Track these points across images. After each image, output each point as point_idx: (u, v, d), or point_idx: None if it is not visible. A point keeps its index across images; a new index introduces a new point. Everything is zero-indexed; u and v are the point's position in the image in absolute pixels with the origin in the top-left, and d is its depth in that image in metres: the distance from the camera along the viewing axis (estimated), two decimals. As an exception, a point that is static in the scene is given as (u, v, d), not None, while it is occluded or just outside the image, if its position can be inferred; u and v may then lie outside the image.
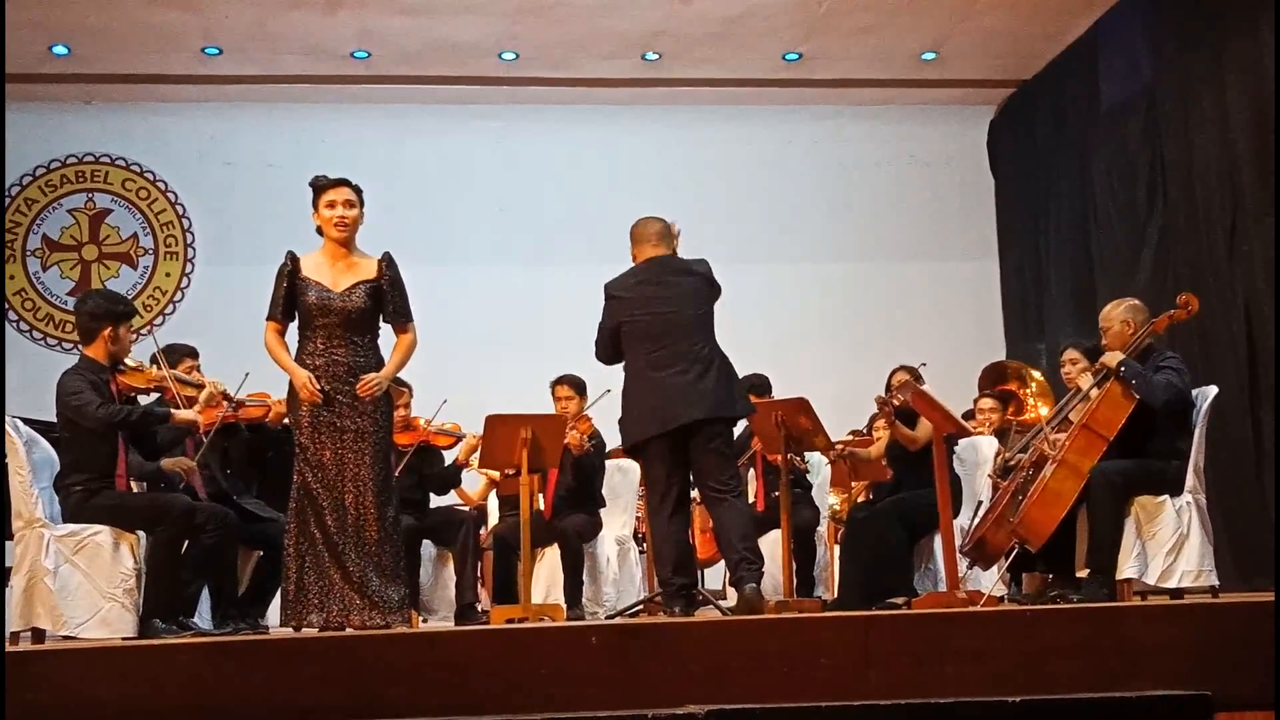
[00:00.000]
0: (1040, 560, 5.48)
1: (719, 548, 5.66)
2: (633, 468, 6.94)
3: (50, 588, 4.86)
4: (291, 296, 4.78)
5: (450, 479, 6.82)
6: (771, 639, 3.71)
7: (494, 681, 3.58)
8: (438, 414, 6.62)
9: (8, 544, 5.19)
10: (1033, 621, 3.90)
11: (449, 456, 6.77)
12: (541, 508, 6.50)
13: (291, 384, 4.77)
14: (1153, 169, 8.08)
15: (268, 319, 4.81)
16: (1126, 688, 3.62)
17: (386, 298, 4.84)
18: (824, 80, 9.67)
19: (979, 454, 6.41)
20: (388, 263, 4.87)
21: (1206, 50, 7.48)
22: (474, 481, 7.47)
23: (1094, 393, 5.38)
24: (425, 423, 6.58)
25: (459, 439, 6.61)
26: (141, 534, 5.00)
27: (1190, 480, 5.27)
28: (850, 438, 7.06)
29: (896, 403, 5.91)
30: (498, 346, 9.32)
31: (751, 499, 6.93)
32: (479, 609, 6.20)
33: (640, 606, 6.16)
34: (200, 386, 5.35)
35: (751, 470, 7.05)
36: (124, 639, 4.78)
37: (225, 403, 5.50)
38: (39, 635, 4.92)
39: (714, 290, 5.33)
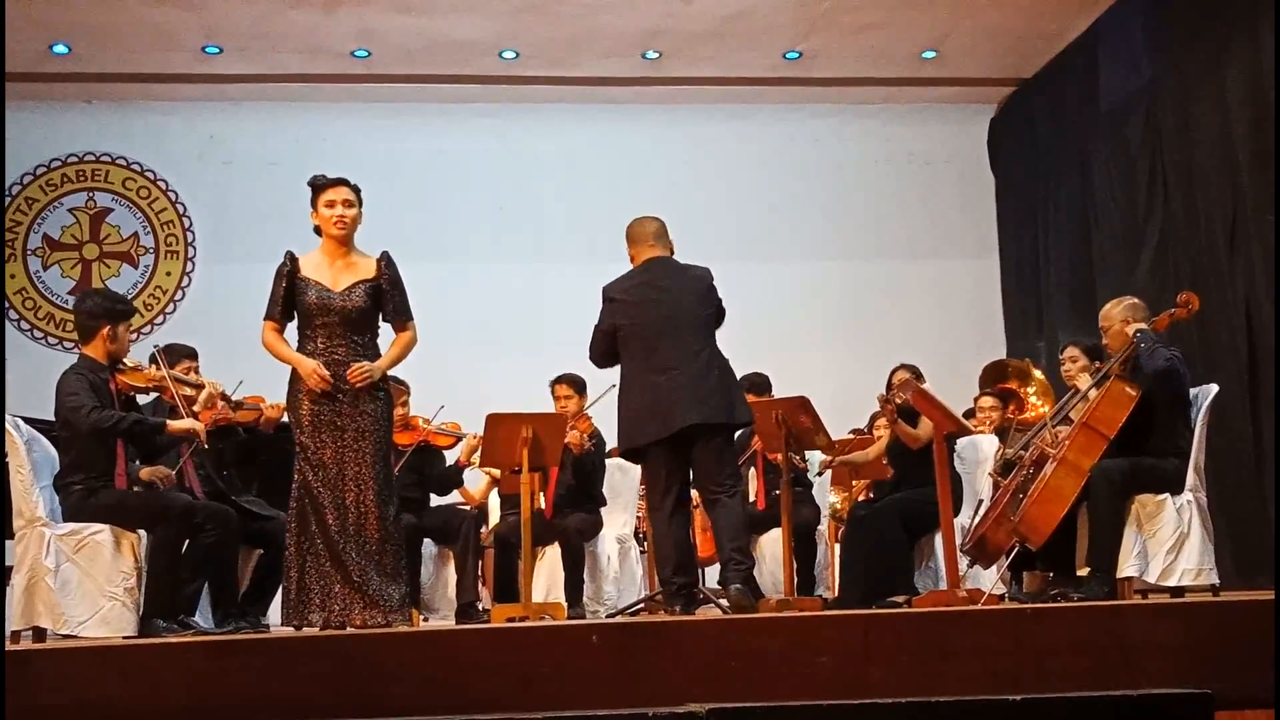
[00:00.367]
0: (1041, 559, 5.48)
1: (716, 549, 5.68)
2: (633, 467, 6.92)
3: (51, 586, 4.86)
4: (291, 296, 4.77)
5: (451, 479, 6.82)
6: (772, 637, 3.71)
7: (495, 680, 3.58)
8: (437, 415, 6.62)
9: (8, 543, 5.19)
10: (1033, 620, 3.89)
11: (450, 456, 6.77)
12: (542, 506, 6.51)
13: (292, 383, 4.77)
14: (1153, 167, 8.08)
15: (266, 318, 4.80)
16: (1127, 686, 3.62)
17: (386, 297, 4.83)
18: (824, 79, 9.67)
19: (980, 452, 6.41)
20: (386, 262, 4.86)
21: (1206, 49, 7.48)
22: (475, 480, 7.47)
23: (1094, 391, 5.38)
24: (425, 422, 6.58)
25: (459, 439, 6.61)
26: (142, 533, 5.00)
27: (1191, 479, 5.28)
28: (851, 437, 7.06)
29: (898, 401, 5.91)
30: (497, 345, 9.32)
31: (752, 498, 6.93)
32: (480, 608, 6.20)
33: (641, 605, 6.16)
34: (199, 387, 5.34)
35: (752, 469, 7.05)
36: (125, 638, 4.79)
37: (224, 403, 5.50)
38: (40, 634, 4.92)
39: (714, 293, 5.32)
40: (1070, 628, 3.82)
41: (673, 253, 5.41)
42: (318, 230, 4.87)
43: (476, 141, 9.85)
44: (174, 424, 5.14)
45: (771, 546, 6.74)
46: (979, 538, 5.52)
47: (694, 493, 5.48)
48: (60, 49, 8.84)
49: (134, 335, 5.39)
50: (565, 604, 6.18)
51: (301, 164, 9.55)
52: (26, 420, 5.24)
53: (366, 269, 4.84)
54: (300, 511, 4.68)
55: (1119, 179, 8.46)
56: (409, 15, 8.55)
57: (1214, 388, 5.45)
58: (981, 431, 6.66)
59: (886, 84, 9.81)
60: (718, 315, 5.36)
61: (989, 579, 5.71)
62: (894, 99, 10.04)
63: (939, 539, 5.72)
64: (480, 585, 6.58)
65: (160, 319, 9.50)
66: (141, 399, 5.46)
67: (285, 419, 5.68)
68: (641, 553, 6.97)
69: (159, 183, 9.77)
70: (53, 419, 5.15)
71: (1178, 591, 5.22)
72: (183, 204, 9.77)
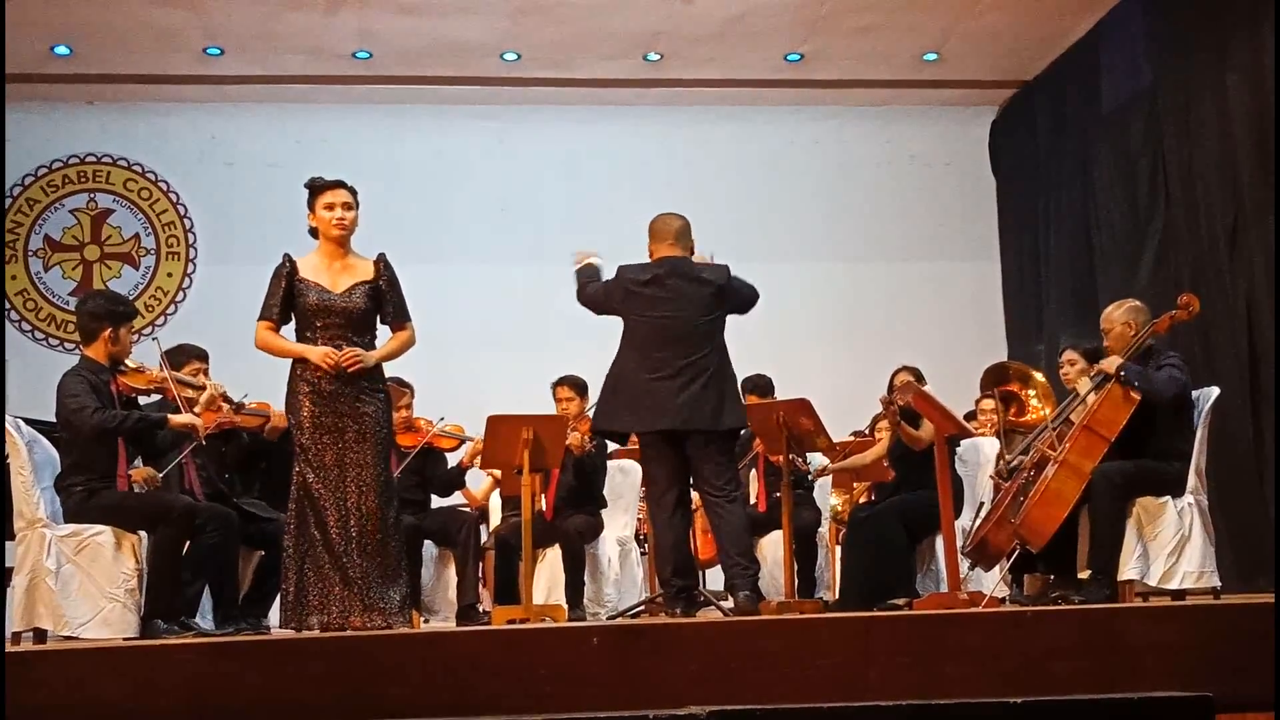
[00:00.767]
0: (1042, 561, 5.48)
1: (717, 552, 5.67)
2: (634, 468, 6.94)
3: (52, 588, 4.86)
4: (289, 298, 4.77)
5: (454, 481, 6.82)
6: (773, 640, 3.71)
7: (495, 682, 3.58)
8: (441, 420, 6.62)
9: (9, 544, 5.19)
10: (1034, 622, 3.90)
11: (452, 459, 6.77)
12: (543, 508, 6.50)
13: (291, 384, 4.76)
14: (1154, 170, 8.08)
15: (261, 318, 4.79)
16: (1128, 689, 3.62)
17: (385, 298, 4.84)
18: (825, 81, 9.67)
19: (981, 455, 6.41)
20: (384, 264, 4.87)
21: (1208, 51, 7.48)
22: (477, 480, 7.46)
23: (1094, 395, 5.38)
24: (428, 424, 6.58)
25: (463, 441, 6.61)
26: (143, 534, 5.00)
27: (1192, 481, 5.27)
28: (852, 439, 7.06)
29: (901, 403, 5.90)
30: (498, 346, 9.32)
31: (753, 500, 6.93)
32: (480, 609, 6.20)
33: (642, 607, 6.16)
34: (200, 388, 5.34)
35: (754, 471, 7.05)
36: (125, 639, 4.78)
37: (226, 405, 5.50)
38: (41, 635, 4.93)
39: (724, 299, 5.27)
40: (1071, 630, 3.82)
41: (692, 252, 5.36)
42: (313, 232, 4.87)
43: (477, 143, 9.85)
44: (175, 418, 5.14)
45: (772, 549, 6.74)
46: (980, 540, 5.52)
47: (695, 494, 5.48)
48: (62, 50, 8.84)
49: (135, 336, 5.38)
50: (566, 606, 6.18)
51: (303, 165, 9.54)
52: (27, 421, 5.24)
53: (365, 270, 4.84)
54: (299, 513, 4.68)
55: (1120, 181, 8.46)
56: (410, 17, 8.55)
57: (1215, 390, 5.46)
58: (982, 434, 6.66)
59: (887, 86, 9.81)
60: (743, 304, 5.34)
61: (990, 581, 5.71)
62: (895, 101, 10.04)
63: (940, 541, 5.72)
64: (481, 587, 6.57)
65: (161, 320, 9.51)
66: (143, 400, 5.46)
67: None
68: (642, 555, 6.96)
69: (160, 184, 9.78)
70: (54, 420, 5.15)
71: (1179, 594, 5.22)
72: (184, 205, 9.77)
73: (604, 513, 6.71)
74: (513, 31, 8.81)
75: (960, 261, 10.08)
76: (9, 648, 4.42)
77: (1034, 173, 9.64)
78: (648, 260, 5.36)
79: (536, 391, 6.92)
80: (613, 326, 8.57)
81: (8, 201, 9.47)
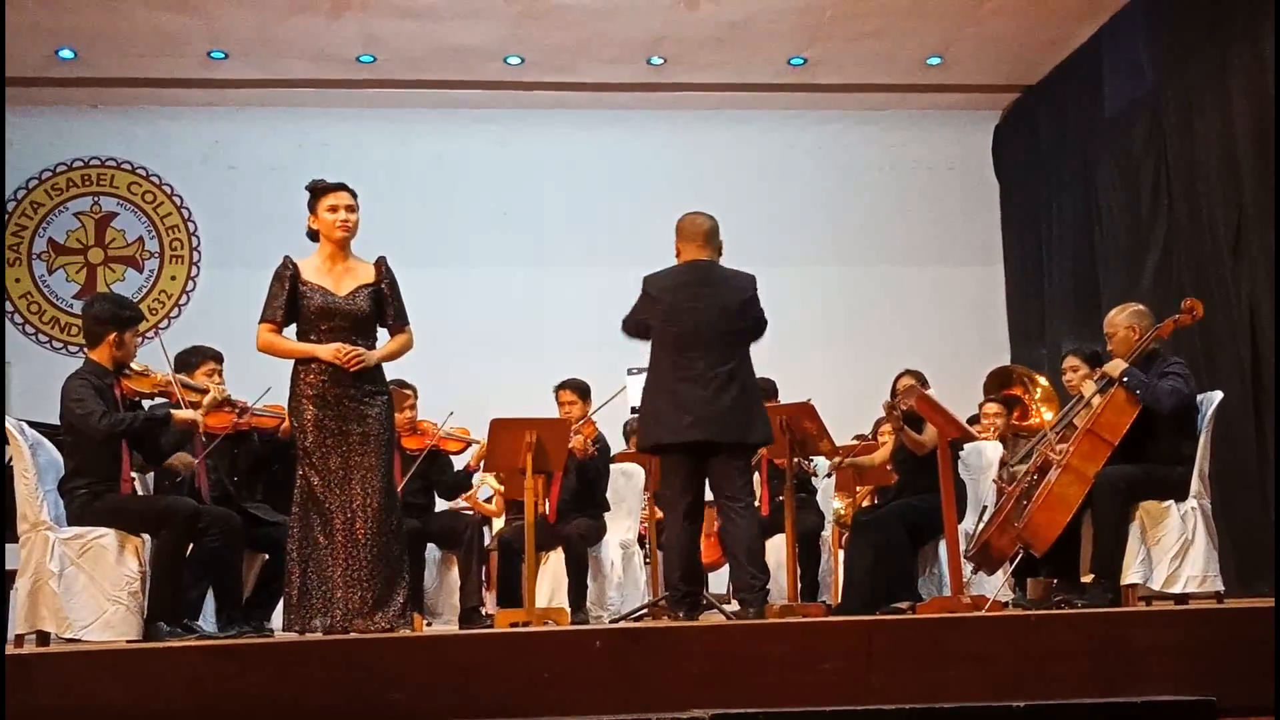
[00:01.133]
0: (1045, 565, 5.47)
1: (727, 560, 5.66)
2: (637, 472, 6.94)
3: (55, 590, 4.86)
4: (293, 301, 4.77)
5: (460, 485, 6.82)
6: (775, 643, 3.71)
7: (498, 685, 3.58)
8: (446, 421, 6.62)
9: (13, 547, 5.19)
10: (1037, 626, 3.90)
11: (458, 461, 6.77)
12: (546, 511, 6.50)
13: (294, 387, 4.75)
14: (1156, 174, 8.08)
15: (263, 321, 4.78)
16: (1131, 693, 3.62)
17: (387, 301, 4.84)
18: (828, 85, 9.67)
19: (984, 459, 6.40)
20: (385, 266, 4.88)
21: (1209, 56, 7.49)
22: (483, 491, 7.46)
23: (1097, 398, 5.38)
24: (433, 426, 6.57)
25: (469, 444, 6.60)
26: (146, 537, 5.01)
27: (1195, 485, 5.26)
28: (855, 442, 7.05)
29: (903, 407, 5.90)
30: (500, 350, 9.33)
31: (757, 503, 6.92)
32: (483, 613, 6.19)
33: (644, 610, 6.15)
34: (204, 390, 5.35)
35: (756, 474, 7.04)
36: (128, 642, 4.79)
37: (231, 407, 5.51)
38: (44, 638, 4.92)
39: (751, 306, 5.20)
40: (1074, 634, 3.82)
41: (720, 254, 5.28)
42: (312, 235, 4.88)
43: (480, 147, 9.86)
44: (178, 414, 5.15)
45: (775, 552, 6.73)
46: (983, 544, 5.52)
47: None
48: (66, 54, 8.86)
49: (139, 340, 5.38)
50: (569, 609, 6.17)
51: (306, 169, 9.53)
52: (31, 424, 5.24)
53: (366, 273, 4.85)
54: (303, 516, 4.68)
55: (1122, 185, 8.46)
56: (414, 21, 8.56)
57: (1219, 394, 5.44)
58: (986, 438, 6.65)
59: (890, 90, 9.81)
60: (756, 327, 5.24)
61: (993, 585, 5.71)
62: (898, 105, 10.05)
63: (943, 545, 5.72)
64: (484, 590, 6.57)
65: (165, 323, 9.52)
66: (147, 404, 5.46)
67: None
68: (645, 558, 6.96)
69: (164, 187, 9.79)
70: (57, 423, 5.16)
71: (1182, 598, 5.21)
72: (188, 208, 9.79)
73: (607, 516, 6.71)
74: (516, 35, 8.82)
75: (963, 265, 10.08)
76: (12, 650, 4.42)
77: (1037, 177, 9.65)
78: (674, 260, 5.26)
79: (538, 394, 6.92)
80: (609, 329, 8.60)
81: (11, 205, 9.48)
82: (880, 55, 9.22)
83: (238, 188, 9.69)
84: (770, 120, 10.01)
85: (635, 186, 9.84)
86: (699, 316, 5.08)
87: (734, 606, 5.47)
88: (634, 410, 6.58)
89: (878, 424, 6.91)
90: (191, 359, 5.62)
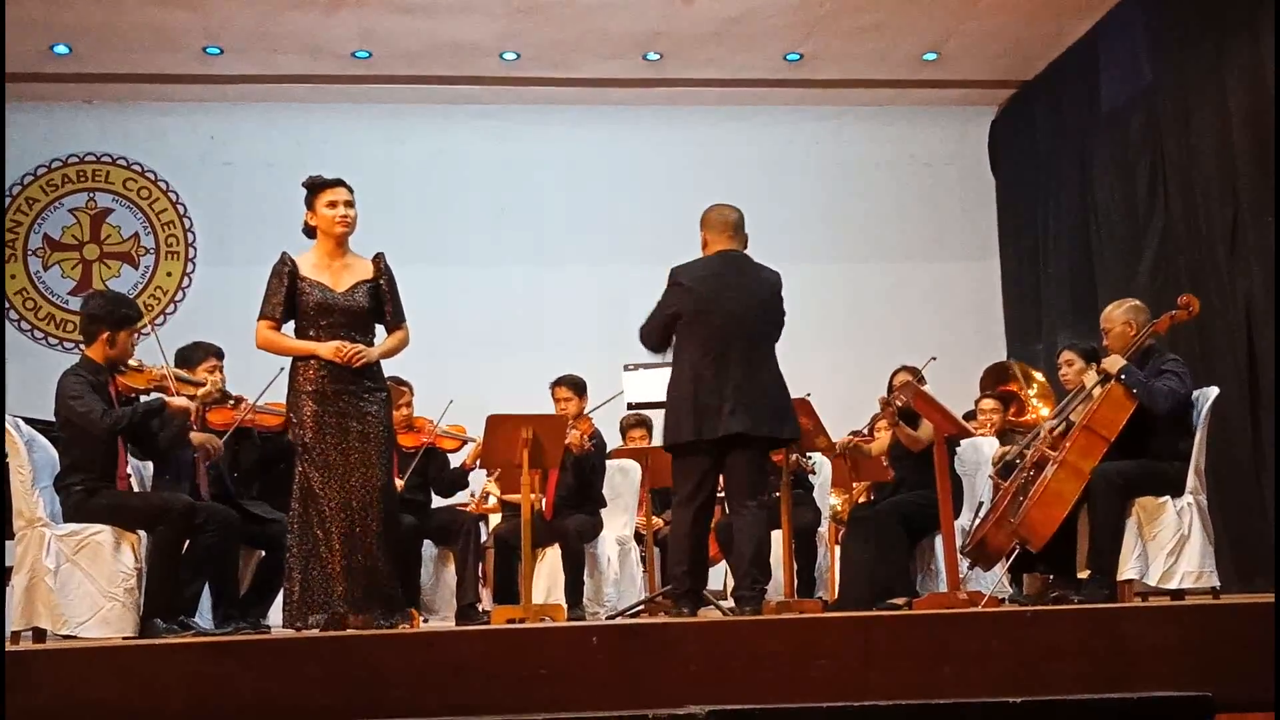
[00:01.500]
0: (1041, 561, 5.48)
1: (729, 556, 5.63)
2: (634, 468, 6.94)
3: (51, 587, 4.86)
4: (291, 297, 4.77)
5: (456, 481, 6.82)
6: (772, 639, 3.72)
7: (495, 682, 3.58)
8: (444, 415, 6.62)
9: (9, 543, 5.19)
10: (1033, 622, 3.90)
11: (454, 459, 6.77)
12: (542, 508, 6.51)
13: (292, 383, 4.75)
14: (1153, 169, 8.08)
15: (262, 318, 4.77)
16: (1127, 689, 3.62)
17: (385, 298, 4.84)
18: (825, 81, 9.67)
19: (980, 455, 6.41)
20: (383, 262, 4.87)
21: (1206, 51, 7.49)
22: (477, 481, 7.46)
23: (1095, 394, 5.38)
24: (429, 424, 6.57)
25: (465, 442, 6.61)
26: (143, 533, 5.00)
27: (1191, 481, 5.27)
28: (850, 439, 7.05)
29: (899, 403, 5.90)
30: (497, 347, 9.33)
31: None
32: (480, 609, 6.20)
33: (641, 607, 6.16)
34: (199, 385, 5.35)
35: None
36: (125, 638, 4.79)
37: (230, 402, 5.51)
38: (40, 635, 4.92)
39: (779, 302, 5.16)
40: (1070, 630, 3.82)
41: (746, 246, 5.20)
42: (309, 231, 4.87)
43: (477, 143, 9.85)
44: (172, 401, 5.14)
45: (772, 548, 6.73)
46: (979, 540, 5.52)
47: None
48: (61, 49, 8.84)
49: (136, 338, 5.37)
50: (565, 605, 6.17)
51: (302, 165, 9.50)
52: (27, 420, 5.24)
53: (364, 269, 4.84)
54: (302, 512, 4.68)
55: (1119, 181, 8.46)
56: (410, 16, 8.55)
57: (1214, 390, 5.45)
58: (982, 434, 6.66)
59: (887, 86, 9.81)
60: (781, 321, 5.20)
61: (990, 581, 5.71)
62: (895, 101, 10.04)
63: (939, 541, 5.71)
64: (481, 586, 6.57)
65: (161, 319, 9.50)
66: (142, 399, 5.46)
67: None
68: (641, 555, 6.96)
69: (159, 183, 9.78)
70: (53, 420, 5.15)
71: (1178, 594, 5.22)
72: (183, 204, 9.77)
73: (603, 512, 6.72)
74: (512, 31, 8.81)
75: (959, 261, 10.09)
76: (8, 647, 4.42)
77: (1033, 173, 9.65)
78: (700, 253, 5.18)
79: (535, 391, 6.92)
80: (606, 326, 8.58)
81: (6, 201, 9.46)
82: (876, 51, 9.21)
83: (233, 184, 9.68)
84: (766, 116, 10.01)
85: (633, 182, 9.84)
86: (733, 307, 4.99)
87: (730, 604, 5.47)
88: (630, 407, 6.59)
89: (873, 420, 6.91)
90: (193, 355, 5.63)
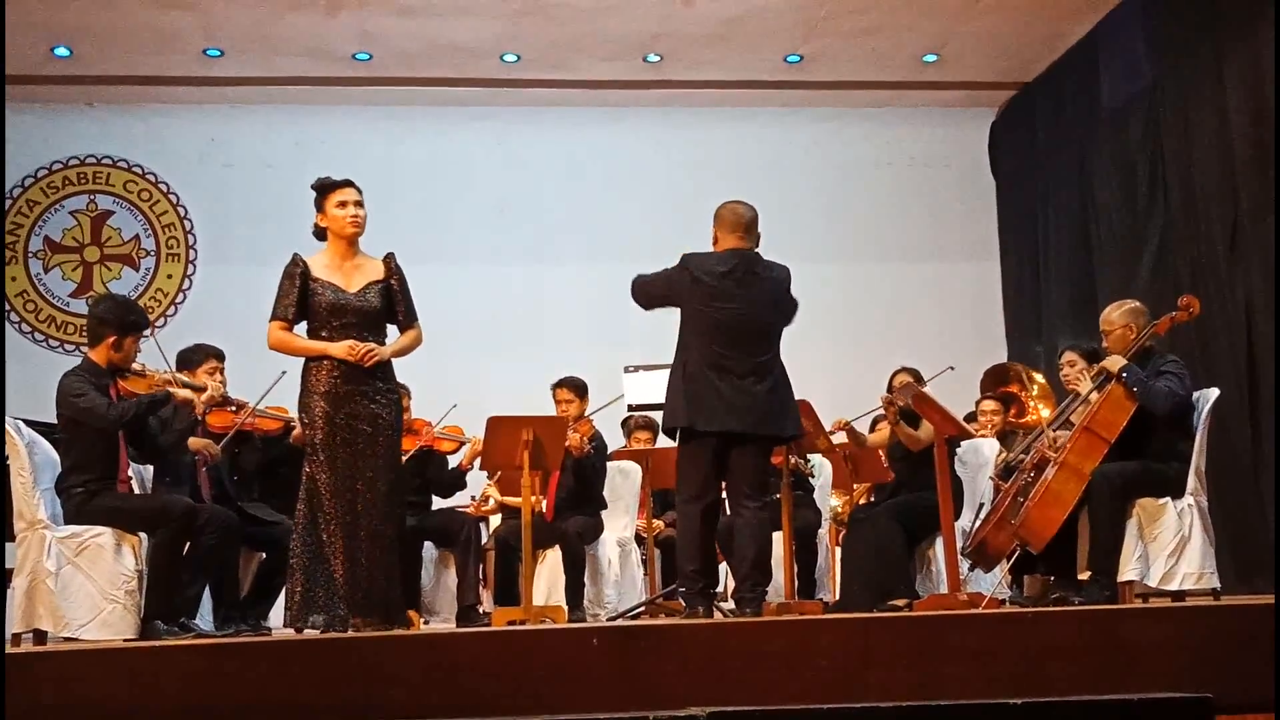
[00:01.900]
0: (1042, 562, 5.47)
1: (730, 557, 5.62)
2: (634, 469, 6.94)
3: (52, 589, 4.86)
4: (303, 298, 4.77)
5: (454, 483, 6.82)
6: (773, 641, 3.71)
7: (495, 683, 3.58)
8: (444, 418, 6.62)
9: (9, 545, 5.19)
10: (1034, 623, 3.90)
11: (452, 460, 6.77)
12: (543, 510, 6.51)
13: (304, 383, 4.74)
14: (1153, 170, 8.09)
15: (275, 319, 4.77)
16: (1128, 690, 3.62)
17: (397, 298, 4.85)
18: (825, 82, 9.67)
19: (981, 456, 6.41)
20: (394, 262, 4.88)
21: (1206, 52, 7.49)
22: (477, 482, 7.46)
23: (1095, 395, 5.38)
24: (426, 426, 6.58)
25: (463, 444, 6.61)
26: (143, 535, 5.00)
27: (1192, 482, 5.27)
28: (848, 441, 7.05)
29: (901, 403, 5.90)
30: (497, 347, 9.33)
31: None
32: (480, 611, 6.20)
33: (642, 608, 6.16)
34: (201, 389, 5.35)
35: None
36: (125, 640, 4.79)
37: (230, 406, 5.52)
38: (40, 637, 4.93)
39: (790, 302, 5.16)
40: (1071, 631, 3.82)
41: (758, 245, 5.19)
42: (319, 234, 4.87)
43: (477, 144, 9.86)
44: (177, 392, 5.15)
45: (772, 550, 6.73)
46: (980, 541, 5.52)
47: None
48: (62, 52, 8.85)
49: (140, 347, 5.37)
50: (566, 607, 6.18)
51: (302, 166, 9.54)
52: (27, 423, 5.24)
53: (375, 270, 4.85)
54: (309, 513, 4.67)
55: (1119, 182, 8.46)
56: (410, 18, 8.56)
57: (1215, 391, 5.45)
58: (983, 435, 6.65)
59: (887, 87, 9.81)
60: (789, 318, 5.18)
61: (990, 582, 5.71)
62: (895, 102, 10.05)
63: (940, 542, 5.71)
64: (481, 588, 6.57)
65: (161, 321, 9.51)
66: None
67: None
68: (642, 556, 6.96)
69: (160, 185, 9.78)
70: (53, 421, 5.15)
71: (1179, 595, 5.22)
72: (184, 206, 9.78)
73: (604, 514, 6.72)
74: (512, 33, 8.82)
75: (960, 262, 10.09)
76: (9, 649, 4.42)
77: (1033, 174, 9.65)
78: (711, 249, 5.16)
79: (535, 391, 6.92)
80: (606, 327, 8.58)
81: (7, 203, 9.47)
82: (876, 52, 9.22)
83: (234, 185, 9.69)
84: (766, 117, 10.01)
85: (632, 184, 9.84)
86: (742, 305, 4.99)
87: (730, 606, 5.46)
88: (631, 409, 6.59)
89: (874, 423, 6.92)
90: (193, 357, 5.64)
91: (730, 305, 4.97)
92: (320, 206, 4.84)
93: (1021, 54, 9.32)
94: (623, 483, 6.99)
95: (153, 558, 4.97)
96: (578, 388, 6.71)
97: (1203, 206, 7.48)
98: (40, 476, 5.08)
